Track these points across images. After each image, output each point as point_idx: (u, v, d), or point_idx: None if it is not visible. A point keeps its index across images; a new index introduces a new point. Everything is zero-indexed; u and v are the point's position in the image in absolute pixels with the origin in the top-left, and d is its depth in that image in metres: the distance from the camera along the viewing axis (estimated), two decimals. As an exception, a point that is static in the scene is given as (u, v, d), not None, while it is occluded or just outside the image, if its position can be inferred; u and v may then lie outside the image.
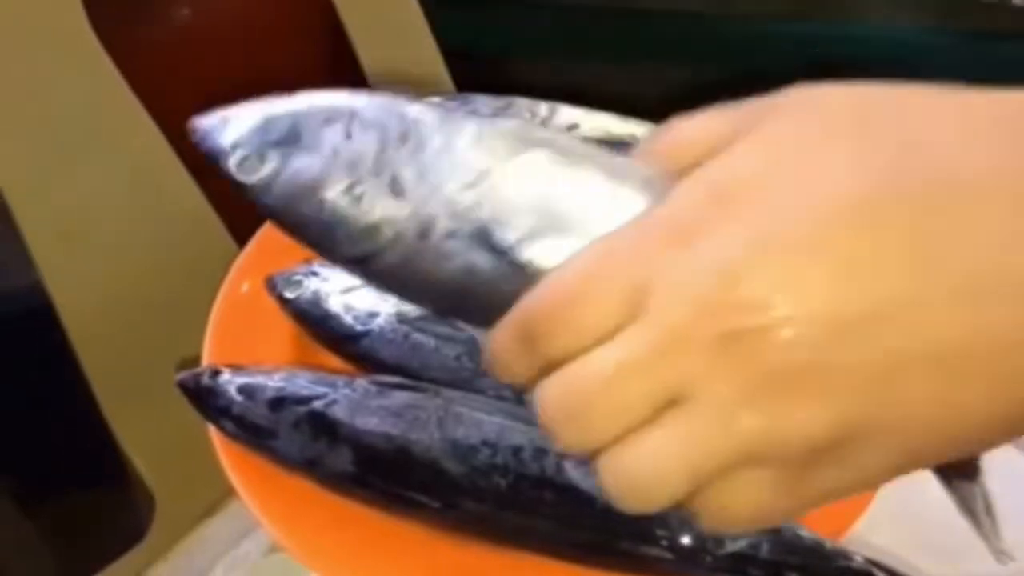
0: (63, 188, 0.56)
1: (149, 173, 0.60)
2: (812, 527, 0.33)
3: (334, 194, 0.26)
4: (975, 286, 0.20)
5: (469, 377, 0.38)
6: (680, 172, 0.22)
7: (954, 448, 0.23)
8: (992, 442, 0.22)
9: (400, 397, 0.36)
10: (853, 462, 0.21)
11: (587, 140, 0.25)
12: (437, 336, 0.39)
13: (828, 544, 0.32)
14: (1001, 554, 0.35)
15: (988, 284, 0.20)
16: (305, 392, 0.37)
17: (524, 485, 0.33)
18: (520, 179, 0.24)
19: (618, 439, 0.21)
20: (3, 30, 0.51)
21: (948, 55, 0.82)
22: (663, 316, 0.21)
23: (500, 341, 0.23)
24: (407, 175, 0.26)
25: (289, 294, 0.41)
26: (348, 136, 0.27)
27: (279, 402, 0.37)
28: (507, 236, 0.24)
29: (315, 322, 0.41)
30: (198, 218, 0.62)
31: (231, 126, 0.28)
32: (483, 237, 0.24)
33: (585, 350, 0.21)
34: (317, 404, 0.36)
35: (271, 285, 0.42)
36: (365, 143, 0.26)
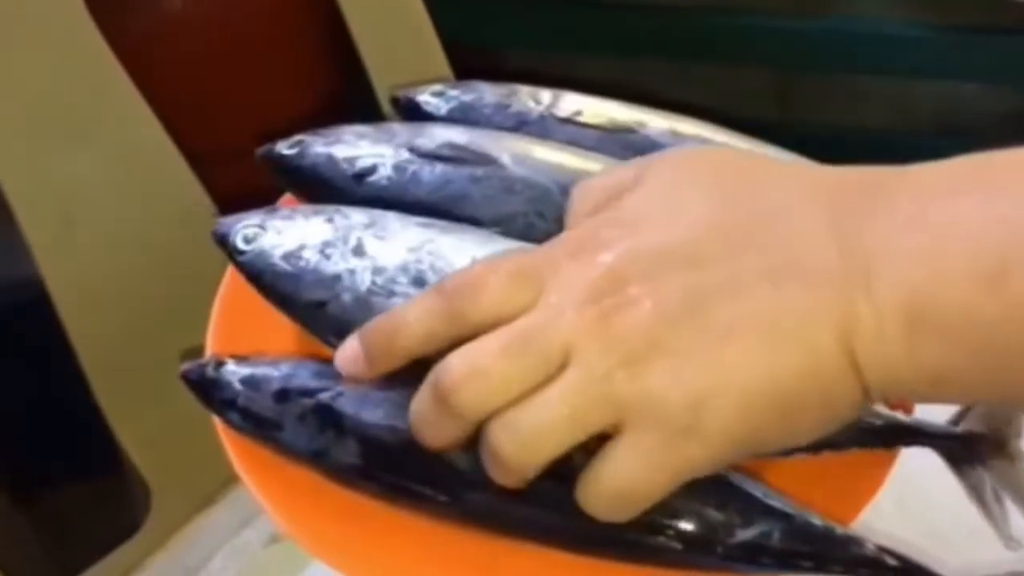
0: (59, 177, 0.56)
1: (146, 162, 0.59)
2: (821, 513, 0.33)
3: (310, 252, 0.37)
4: (778, 271, 0.28)
5: None
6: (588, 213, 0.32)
7: (783, 421, 0.29)
8: (816, 420, 0.29)
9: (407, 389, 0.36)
10: (704, 429, 0.28)
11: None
12: None
13: (839, 531, 0.32)
14: (1010, 540, 0.35)
15: (786, 271, 0.28)
16: (311, 384, 0.37)
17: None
18: (449, 247, 0.36)
19: (510, 403, 0.29)
20: (0, 19, 0.51)
21: (942, 49, 0.82)
22: (554, 300, 0.29)
23: (421, 307, 0.32)
24: (368, 243, 0.37)
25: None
26: (330, 220, 0.38)
27: (284, 394, 0.37)
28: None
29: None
30: (195, 207, 0.62)
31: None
32: (421, 280, 0.35)
33: (488, 325, 0.30)
34: (323, 396, 0.36)
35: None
36: (340, 227, 0.38)
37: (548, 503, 0.33)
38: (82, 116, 0.58)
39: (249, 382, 0.38)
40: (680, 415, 0.28)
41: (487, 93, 0.45)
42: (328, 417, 0.36)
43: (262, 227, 0.39)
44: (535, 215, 0.38)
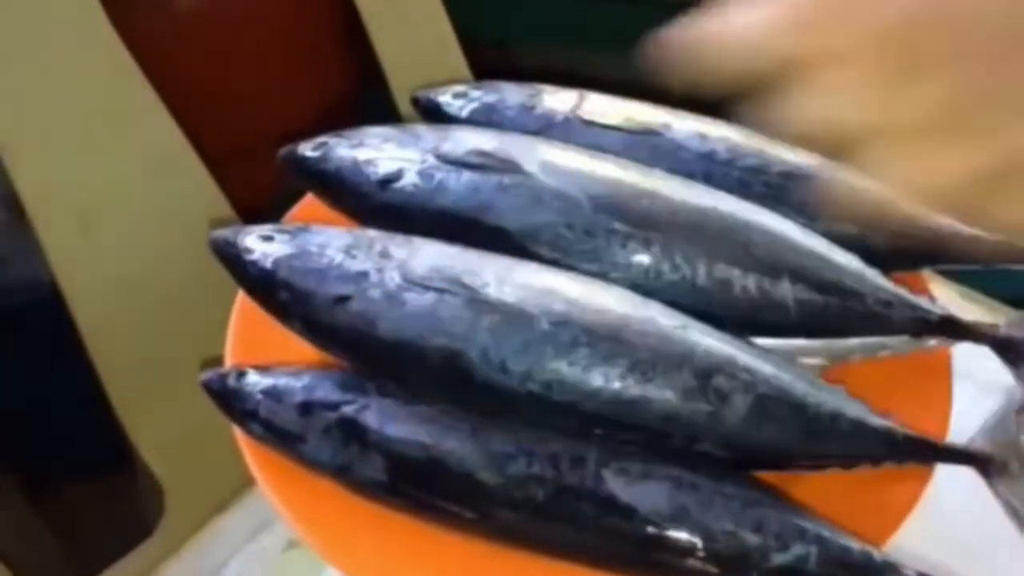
0: (76, 180, 0.55)
1: (164, 164, 0.58)
2: (854, 531, 0.32)
3: (334, 251, 0.37)
4: None
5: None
6: None
7: None
8: None
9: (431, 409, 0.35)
10: None
11: None
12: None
13: (877, 556, 0.31)
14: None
15: None
16: (334, 397, 0.36)
17: (562, 496, 0.33)
18: (478, 256, 0.36)
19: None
20: (19, 19, 0.50)
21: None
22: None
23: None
24: (394, 250, 0.37)
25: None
26: (349, 231, 0.38)
27: (308, 406, 0.36)
28: (475, 281, 0.35)
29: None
30: (213, 210, 0.61)
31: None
32: (457, 280, 0.35)
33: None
34: (347, 410, 0.36)
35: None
36: (361, 236, 0.38)
37: (581, 522, 0.32)
38: (99, 118, 0.57)
39: (271, 393, 0.37)
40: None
41: (510, 94, 0.44)
42: (352, 431, 0.35)
43: (272, 235, 0.38)
44: (564, 227, 0.37)
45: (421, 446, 0.34)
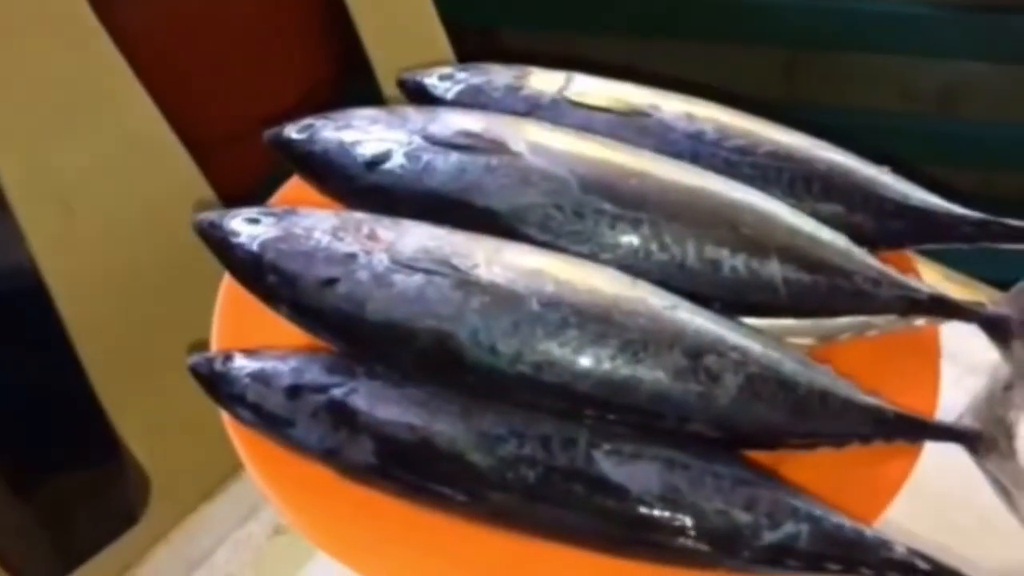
0: (58, 166, 0.54)
1: (145, 150, 0.58)
2: (844, 509, 0.32)
3: (320, 234, 0.36)
4: None
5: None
6: None
7: None
8: None
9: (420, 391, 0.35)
10: None
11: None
12: None
13: (868, 533, 0.31)
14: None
15: None
16: (323, 380, 0.36)
17: (553, 477, 0.33)
18: (465, 238, 0.36)
19: None
20: (-1, 7, 0.49)
21: (947, 28, 0.81)
22: None
23: None
24: (381, 232, 0.36)
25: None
26: (335, 214, 0.38)
27: (296, 390, 0.36)
28: (465, 262, 0.35)
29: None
30: (196, 195, 0.61)
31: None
32: (445, 261, 0.35)
33: None
34: (336, 392, 0.35)
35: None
36: (348, 218, 0.37)
37: (573, 503, 0.32)
38: (81, 104, 0.56)
39: (259, 377, 0.37)
40: None
41: (497, 76, 0.44)
42: (342, 414, 0.35)
43: (259, 218, 0.38)
44: (552, 207, 0.37)
45: (411, 428, 0.34)
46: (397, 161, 0.39)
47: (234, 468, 0.55)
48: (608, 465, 0.32)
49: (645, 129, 0.41)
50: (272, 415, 0.36)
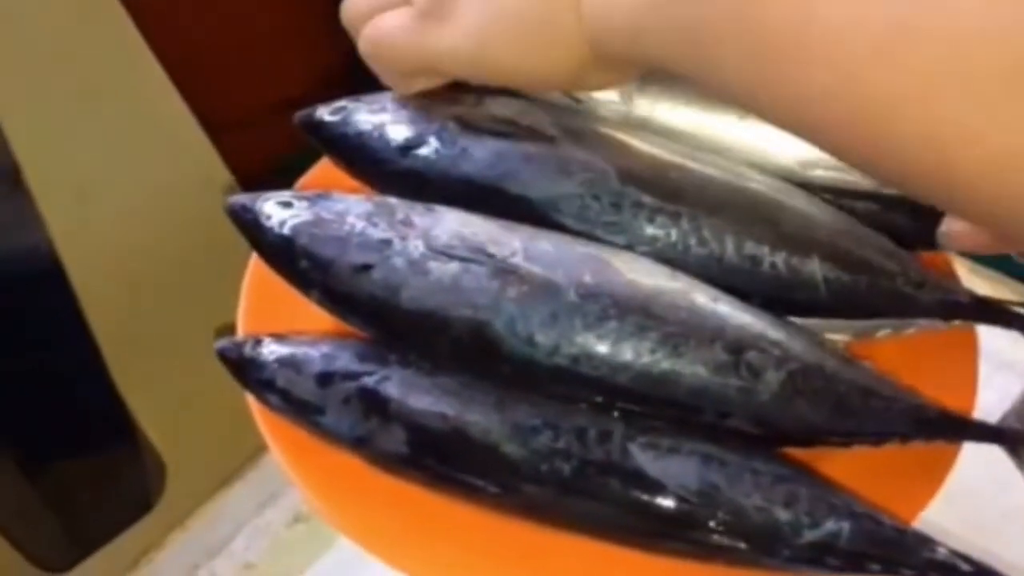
0: (75, 149, 0.54)
1: (164, 133, 0.57)
2: (883, 509, 0.32)
3: (355, 218, 0.36)
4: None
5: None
6: None
7: (514, 32, 0.35)
8: (538, 43, 0.34)
9: (453, 379, 0.34)
10: (455, 20, 0.35)
11: None
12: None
13: (910, 533, 0.31)
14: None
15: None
16: (354, 367, 0.35)
17: (589, 470, 0.32)
18: (500, 226, 0.35)
19: None
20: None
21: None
22: None
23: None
24: (416, 218, 0.36)
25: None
26: (368, 199, 0.37)
27: (327, 377, 0.35)
28: (502, 250, 0.34)
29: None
30: (213, 178, 0.60)
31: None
32: (480, 249, 0.34)
33: None
34: (368, 380, 0.35)
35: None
36: (382, 203, 0.37)
37: (607, 497, 0.32)
38: (99, 86, 0.56)
39: (289, 363, 0.36)
40: (444, 3, 0.35)
41: None
42: (373, 402, 0.35)
43: (291, 201, 0.38)
44: (590, 197, 0.36)
45: (444, 418, 0.34)
46: (432, 146, 0.38)
47: (252, 455, 0.54)
48: (644, 459, 0.32)
49: None
50: (302, 401, 0.36)
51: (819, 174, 0.38)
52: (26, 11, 0.53)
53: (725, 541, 0.31)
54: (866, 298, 0.35)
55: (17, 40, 0.53)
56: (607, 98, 0.40)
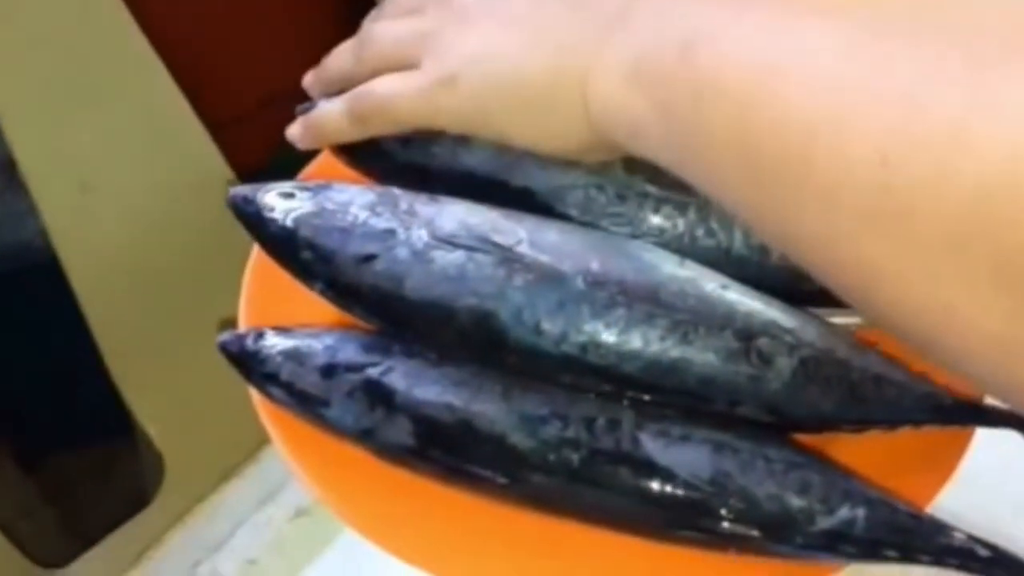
0: (75, 143, 0.53)
1: (164, 127, 0.57)
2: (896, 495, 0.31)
3: (358, 209, 0.35)
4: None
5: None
6: None
7: (514, 102, 0.35)
8: (541, 119, 0.34)
9: (462, 370, 0.34)
10: (459, 85, 0.35)
11: None
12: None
13: (926, 519, 0.30)
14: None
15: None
16: (358, 358, 0.35)
17: (598, 460, 0.32)
18: (507, 215, 0.35)
19: None
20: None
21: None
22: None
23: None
24: (420, 208, 0.35)
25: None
26: (371, 188, 0.37)
27: (331, 369, 0.35)
28: (507, 239, 0.34)
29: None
30: (213, 173, 0.59)
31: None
32: (485, 238, 0.34)
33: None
34: (372, 372, 0.34)
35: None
36: (386, 193, 0.36)
37: (618, 487, 0.31)
38: (99, 80, 0.55)
39: (292, 355, 0.36)
40: (449, 68, 0.35)
41: None
42: (378, 393, 0.34)
43: (293, 192, 0.37)
44: (595, 189, 0.36)
45: (450, 409, 0.33)
46: (435, 138, 0.38)
47: (252, 451, 0.54)
48: (655, 447, 0.32)
49: None
50: (306, 394, 0.35)
51: None
52: (27, 5, 0.52)
53: (737, 529, 0.30)
54: None
55: (17, 34, 0.53)
56: None
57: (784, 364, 0.32)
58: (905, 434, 0.33)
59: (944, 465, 0.33)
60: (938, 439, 0.33)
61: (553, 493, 0.32)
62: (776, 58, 0.25)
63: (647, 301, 0.32)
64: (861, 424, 0.32)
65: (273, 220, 0.36)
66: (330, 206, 0.36)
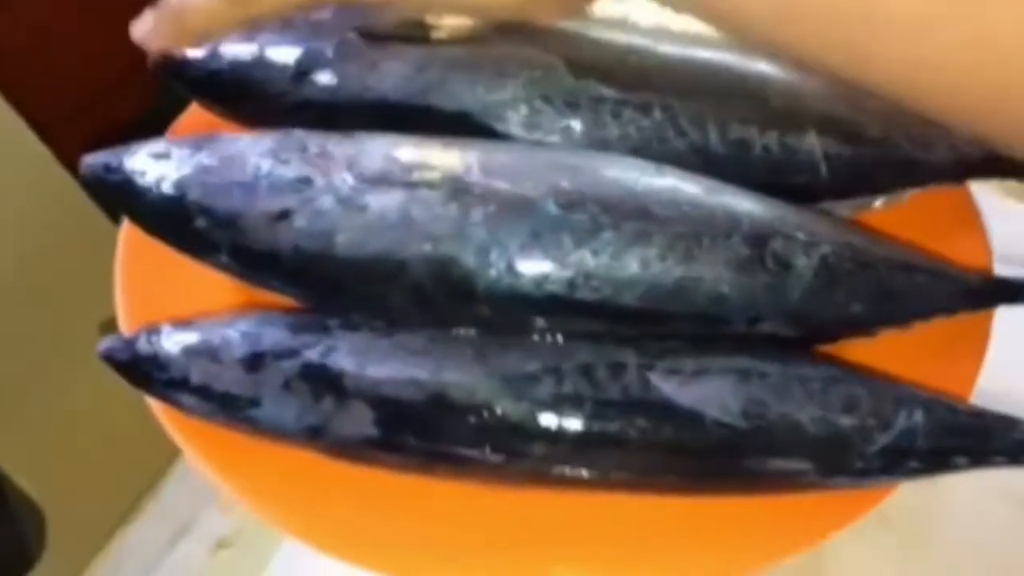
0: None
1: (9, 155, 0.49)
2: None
3: (258, 158, 0.29)
4: None
5: None
6: None
7: None
8: None
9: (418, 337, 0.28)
10: None
11: None
12: None
13: (990, 415, 0.27)
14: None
15: None
16: (289, 342, 0.28)
17: (608, 413, 0.26)
18: (442, 143, 0.29)
19: None
20: None
21: None
22: None
23: None
24: (334, 148, 0.29)
25: None
26: (268, 136, 0.30)
27: (256, 359, 0.28)
28: (454, 168, 0.28)
29: None
30: (46, 175, 0.53)
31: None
32: (426, 165, 0.28)
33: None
34: (310, 355, 0.28)
35: None
36: (287, 137, 0.30)
37: (637, 441, 0.26)
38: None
39: (202, 351, 0.29)
40: None
41: None
42: (322, 380, 0.28)
43: (168, 151, 0.30)
44: (539, 100, 0.30)
45: (415, 384, 0.27)
46: (332, 66, 0.31)
47: (150, 482, 0.46)
48: (670, 388, 0.27)
49: None
50: (228, 396, 0.28)
51: None
52: None
53: (786, 465, 0.26)
54: (872, 170, 0.31)
55: None
56: None
57: (804, 265, 0.27)
58: (919, 330, 0.29)
59: (974, 353, 0.29)
60: (957, 328, 0.29)
61: (561, 463, 0.27)
62: None
63: (635, 217, 0.27)
64: (892, 322, 0.28)
65: (148, 188, 0.29)
66: (220, 160, 0.29)
